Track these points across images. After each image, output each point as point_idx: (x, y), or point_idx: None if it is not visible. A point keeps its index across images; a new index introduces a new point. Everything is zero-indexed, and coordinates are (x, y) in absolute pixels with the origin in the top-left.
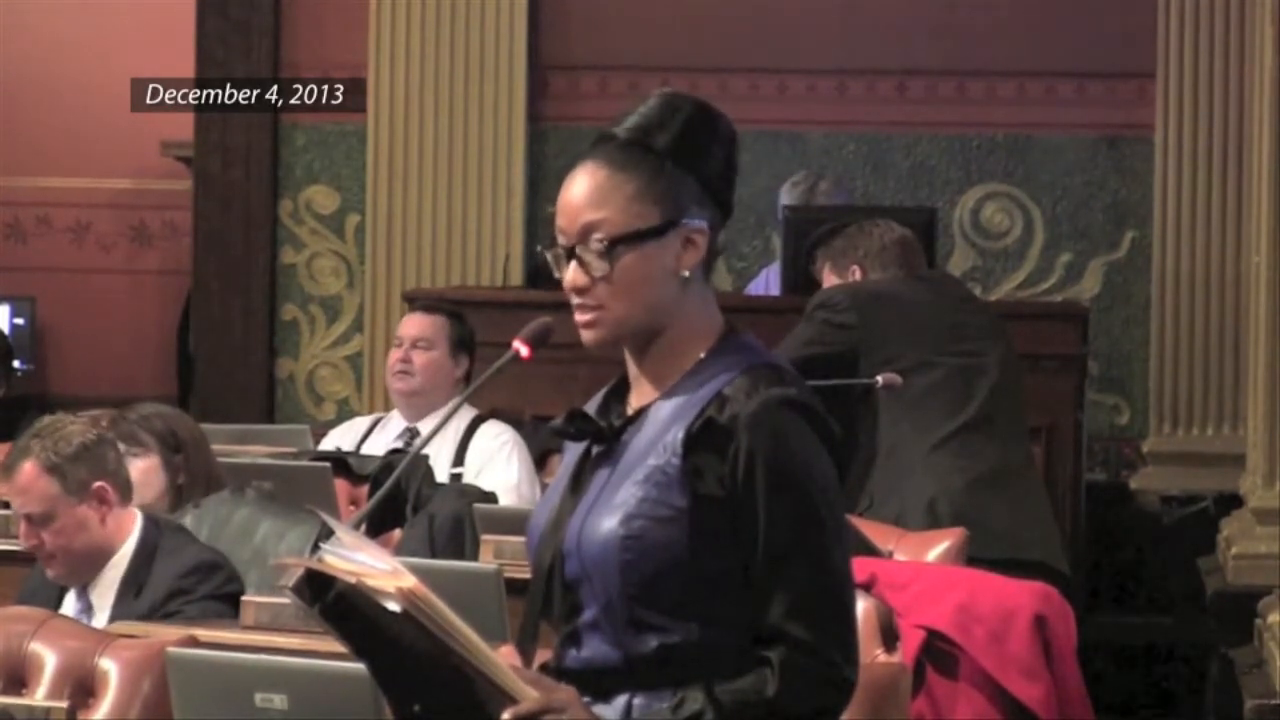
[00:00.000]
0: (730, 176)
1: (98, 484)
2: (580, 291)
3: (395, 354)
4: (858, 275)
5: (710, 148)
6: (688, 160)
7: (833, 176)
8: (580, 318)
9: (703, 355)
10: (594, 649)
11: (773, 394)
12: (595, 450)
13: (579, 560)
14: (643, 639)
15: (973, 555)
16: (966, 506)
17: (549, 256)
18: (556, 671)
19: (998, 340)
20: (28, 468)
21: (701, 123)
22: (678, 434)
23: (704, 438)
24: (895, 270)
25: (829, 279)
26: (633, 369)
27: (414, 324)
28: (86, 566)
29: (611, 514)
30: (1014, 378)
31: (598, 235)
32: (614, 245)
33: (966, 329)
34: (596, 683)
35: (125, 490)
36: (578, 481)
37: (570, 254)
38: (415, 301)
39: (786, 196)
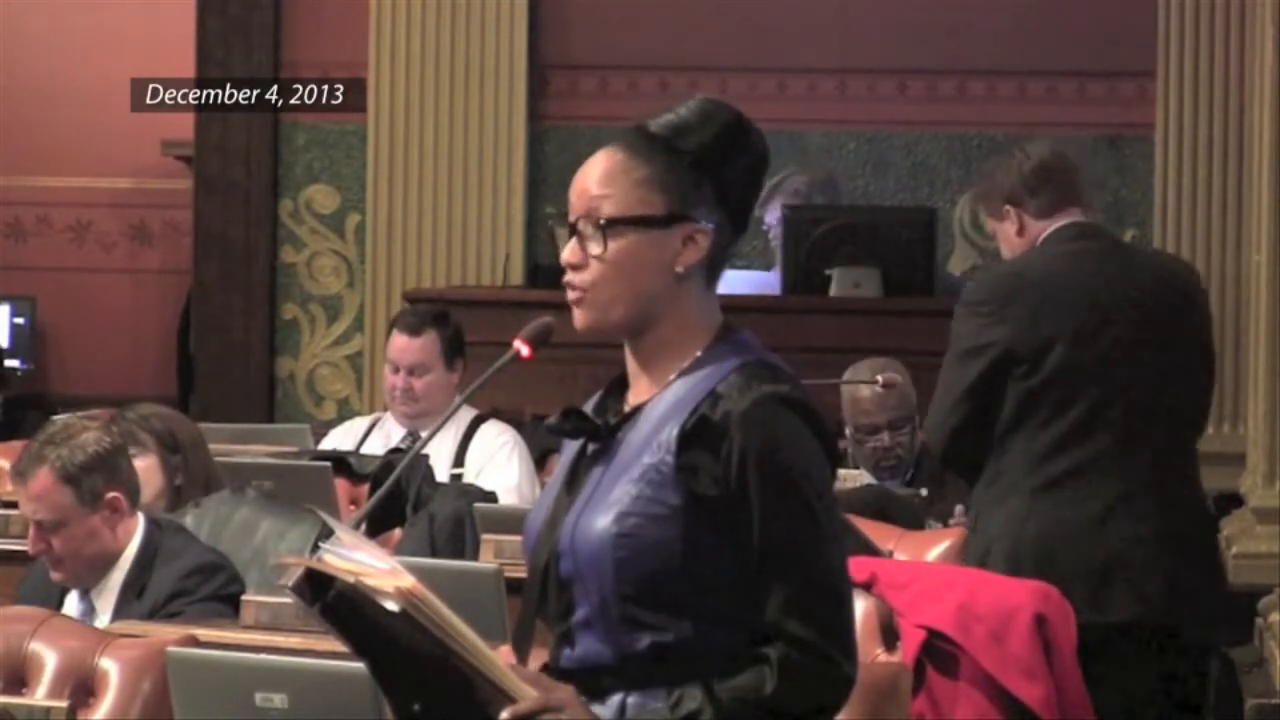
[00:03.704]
0: (752, 192)
1: (111, 494)
2: (574, 269)
3: (393, 379)
4: (1012, 216)
5: (735, 160)
6: (709, 166)
7: (809, 177)
8: (570, 296)
9: (699, 353)
10: (587, 647)
11: (766, 391)
12: (591, 448)
13: (573, 558)
14: (636, 637)
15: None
16: None
17: (558, 234)
18: (552, 671)
19: None
20: (42, 475)
21: (734, 135)
22: (672, 431)
23: (698, 435)
24: (1048, 198)
25: (992, 225)
26: (631, 366)
27: (406, 351)
28: (92, 571)
29: (606, 511)
30: None
31: (599, 213)
32: (612, 224)
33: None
34: (591, 681)
35: (135, 498)
36: (573, 480)
37: (574, 230)
38: (399, 319)
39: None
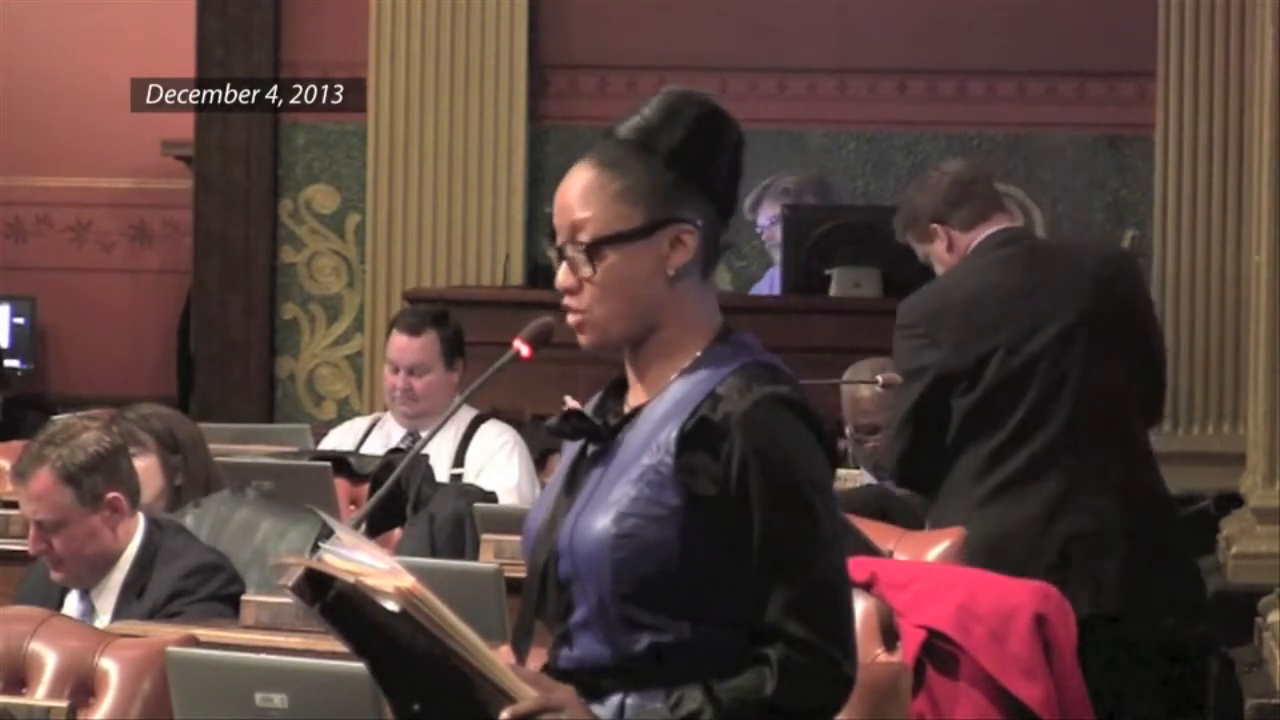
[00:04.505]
0: (734, 180)
1: (111, 495)
2: (569, 293)
3: (393, 379)
4: (940, 234)
5: (712, 153)
6: (686, 164)
7: (800, 177)
8: (570, 320)
9: (698, 354)
10: (586, 648)
11: (765, 392)
12: (590, 450)
13: (571, 559)
14: (634, 638)
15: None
16: None
17: (551, 255)
18: (551, 671)
19: None
20: (43, 475)
21: (706, 127)
22: (671, 433)
23: (697, 436)
24: (970, 209)
25: (924, 249)
26: (631, 368)
27: (406, 351)
28: (92, 571)
29: (605, 512)
30: None
31: (582, 236)
32: (597, 246)
33: None
34: (589, 682)
35: (136, 498)
36: (573, 481)
37: (562, 254)
38: (399, 319)
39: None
